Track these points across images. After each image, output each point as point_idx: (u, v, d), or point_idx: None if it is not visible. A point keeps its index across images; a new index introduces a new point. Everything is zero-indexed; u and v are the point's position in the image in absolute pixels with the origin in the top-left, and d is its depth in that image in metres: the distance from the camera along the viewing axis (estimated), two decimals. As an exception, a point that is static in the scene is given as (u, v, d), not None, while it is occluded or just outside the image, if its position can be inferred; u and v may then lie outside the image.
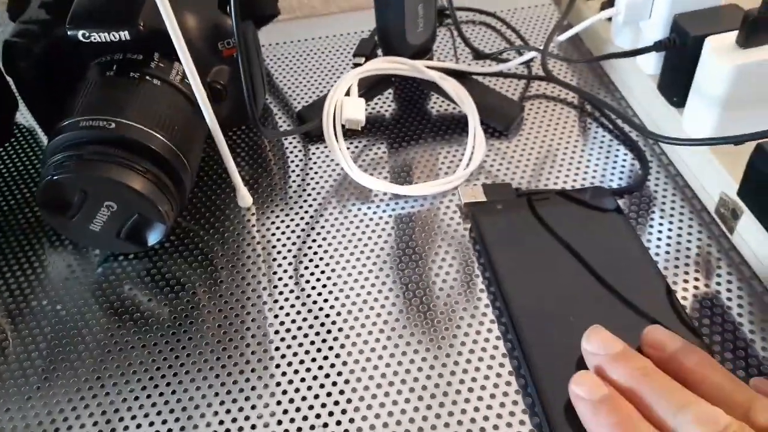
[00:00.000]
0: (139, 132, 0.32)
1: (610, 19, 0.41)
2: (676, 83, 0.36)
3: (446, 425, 0.28)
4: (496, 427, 0.27)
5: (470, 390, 0.29)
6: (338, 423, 0.28)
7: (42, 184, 0.31)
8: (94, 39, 0.34)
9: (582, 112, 0.42)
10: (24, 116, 0.45)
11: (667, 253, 0.33)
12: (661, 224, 0.35)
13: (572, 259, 0.32)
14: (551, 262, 0.32)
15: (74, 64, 0.35)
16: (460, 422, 0.28)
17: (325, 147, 0.41)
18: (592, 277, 0.31)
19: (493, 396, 0.28)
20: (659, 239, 0.34)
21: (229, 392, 0.29)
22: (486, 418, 0.28)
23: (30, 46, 0.35)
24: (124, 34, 0.34)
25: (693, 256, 0.33)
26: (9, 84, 0.41)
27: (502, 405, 0.28)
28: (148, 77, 0.34)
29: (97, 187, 0.31)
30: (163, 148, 0.32)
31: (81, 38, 0.34)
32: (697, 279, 0.32)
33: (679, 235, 0.34)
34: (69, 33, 0.34)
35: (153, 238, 0.34)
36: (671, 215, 0.35)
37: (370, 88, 0.41)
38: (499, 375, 0.29)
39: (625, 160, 0.38)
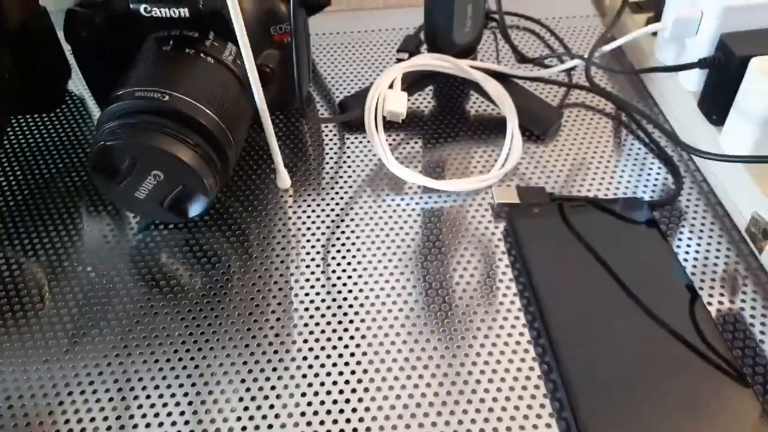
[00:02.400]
0: (190, 106, 0.33)
1: (654, 34, 0.42)
2: (716, 101, 0.36)
3: (464, 411, 0.28)
4: (512, 418, 0.28)
5: (498, 389, 0.29)
6: (353, 410, 0.29)
7: (95, 149, 0.32)
8: (155, 14, 0.35)
9: (619, 123, 0.42)
10: (75, 84, 0.47)
11: (694, 267, 0.34)
12: (690, 239, 0.35)
13: (606, 268, 0.33)
14: (585, 269, 0.33)
15: (132, 36, 0.36)
16: (478, 410, 0.28)
17: (363, 137, 0.42)
18: (627, 289, 0.32)
19: (515, 390, 0.29)
20: (687, 253, 0.34)
21: (250, 370, 0.30)
22: (512, 417, 0.28)
23: (92, 16, 0.37)
24: (184, 12, 0.35)
25: (720, 273, 0.33)
26: (64, 52, 0.43)
27: (530, 407, 0.29)
28: (202, 54, 0.35)
29: (146, 155, 0.32)
30: (212, 124, 0.33)
31: (142, 12, 0.35)
32: (722, 295, 0.32)
33: (707, 251, 0.34)
34: (131, 6, 0.35)
35: (194, 210, 0.35)
36: (701, 231, 0.36)
37: (412, 83, 0.42)
38: (521, 372, 0.30)
39: (659, 174, 0.39)
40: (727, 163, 0.35)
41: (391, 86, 0.40)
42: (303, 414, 0.29)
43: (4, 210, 0.38)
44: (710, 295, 0.32)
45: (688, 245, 0.35)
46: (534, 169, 0.39)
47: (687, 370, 0.29)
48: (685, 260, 0.34)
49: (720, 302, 0.32)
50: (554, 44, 0.49)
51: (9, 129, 0.44)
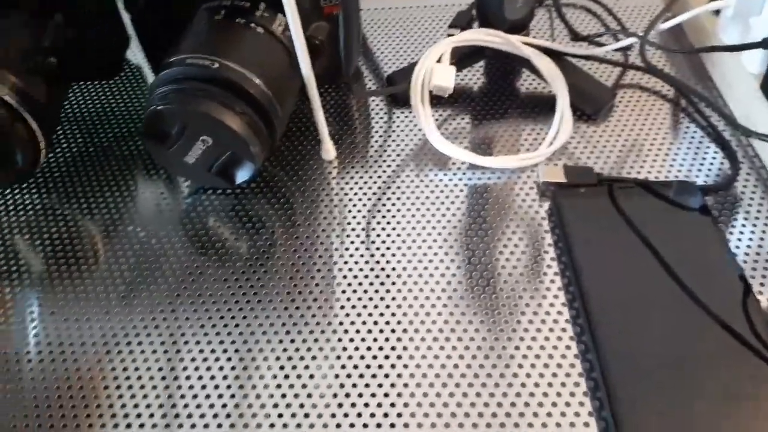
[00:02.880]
0: (239, 75, 0.33)
1: (717, 12, 0.40)
2: (780, 83, 0.35)
3: (496, 384, 0.28)
4: (545, 394, 0.28)
5: (531, 365, 0.29)
6: (392, 385, 0.29)
7: (147, 114, 0.33)
8: (209, -17, 0.36)
9: (675, 105, 0.41)
10: (134, 54, 0.48)
11: (746, 255, 0.33)
12: (743, 227, 0.34)
13: (654, 253, 0.32)
14: (630, 253, 0.32)
15: (188, 6, 0.37)
16: (511, 384, 0.28)
17: (410, 112, 0.41)
18: (673, 275, 0.31)
19: (549, 367, 0.29)
20: (740, 240, 0.33)
21: (290, 339, 0.31)
22: (545, 393, 0.28)
23: (150, -16, 0.38)
24: (236, -18, 0.35)
25: (773, 261, 0.32)
26: (123, 22, 0.44)
27: (563, 385, 0.28)
28: (252, 25, 0.35)
29: (196, 121, 0.33)
30: (260, 93, 0.34)
31: (197, -19, 0.36)
32: (774, 284, 0.31)
33: (762, 240, 0.33)
34: (186, -24, 0.36)
35: (241, 176, 0.36)
36: (756, 219, 0.34)
37: (462, 58, 0.42)
38: (557, 350, 0.29)
39: (714, 158, 0.37)
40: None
41: (439, 61, 0.40)
42: (337, 376, 0.29)
43: (65, 172, 0.40)
44: (762, 284, 0.31)
45: (741, 233, 0.34)
46: (583, 150, 0.39)
47: (733, 361, 0.28)
48: (737, 246, 0.33)
49: (771, 291, 0.31)
50: (611, 23, 0.48)
51: (70, 95, 0.45)
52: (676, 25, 0.41)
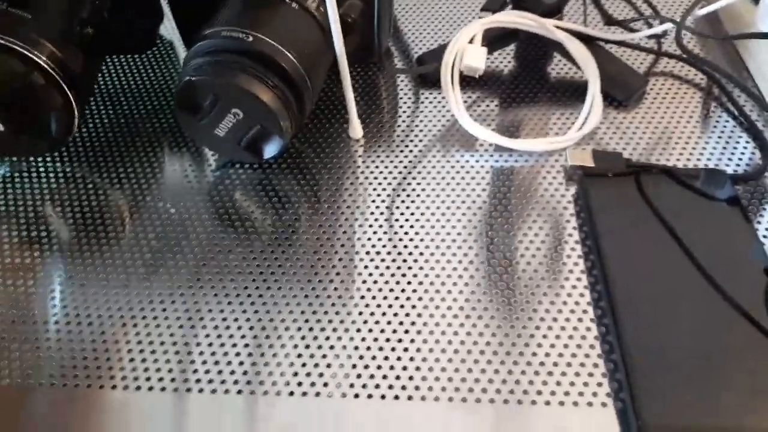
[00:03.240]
0: (273, 48, 0.34)
1: (756, 1, 0.40)
2: (818, 73, 0.34)
3: (515, 363, 0.29)
4: (564, 374, 0.28)
5: (551, 345, 0.29)
6: (411, 359, 0.29)
7: (180, 84, 0.34)
8: (243, -42, 0.36)
9: (708, 94, 0.40)
10: (166, 29, 0.49)
11: (775, 245, 0.32)
12: (773, 216, 0.33)
13: (679, 242, 0.31)
14: (657, 241, 0.32)
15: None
16: (530, 363, 0.28)
17: (439, 93, 0.41)
18: (698, 265, 0.30)
19: (569, 347, 0.29)
20: (768, 231, 0.33)
21: (312, 312, 0.31)
22: (563, 373, 0.28)
23: (185, -40, 0.38)
24: (271, -43, 0.36)
25: (802, 253, 0.32)
26: (158, -4, 0.45)
27: (582, 365, 0.28)
28: (287, 0, 0.36)
29: (228, 93, 0.33)
30: (292, 68, 0.34)
31: (232, -44, 0.36)
32: (802, 276, 0.31)
33: (791, 231, 0.33)
34: (222, -50, 0.36)
35: (269, 151, 0.36)
36: (786, 209, 0.34)
37: (494, 40, 0.42)
38: (578, 331, 0.30)
39: (746, 148, 0.37)
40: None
41: (471, 42, 0.40)
42: (356, 348, 0.30)
43: (96, 143, 0.41)
44: (789, 275, 0.31)
45: (770, 223, 0.33)
46: (612, 135, 0.38)
47: (757, 353, 0.27)
48: (765, 236, 0.32)
49: (799, 283, 0.31)
50: (645, 10, 0.47)
51: (103, 68, 0.46)
52: (711, 12, 0.40)
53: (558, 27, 0.40)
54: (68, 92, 0.35)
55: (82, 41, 0.37)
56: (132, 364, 0.30)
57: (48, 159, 0.40)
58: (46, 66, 0.34)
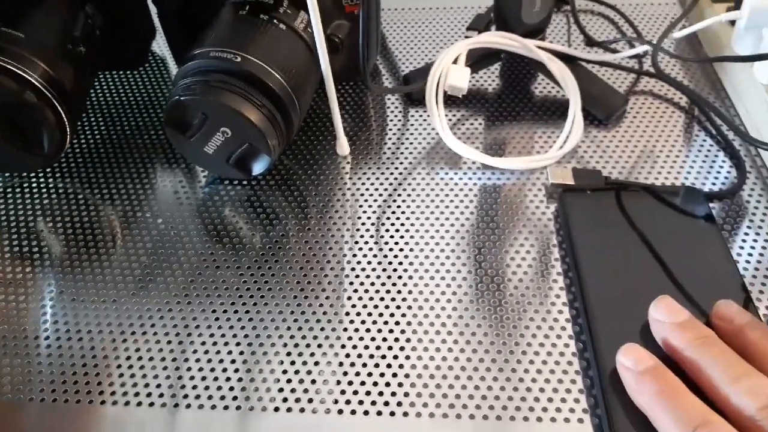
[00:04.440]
0: (260, 69, 0.34)
1: (733, 23, 0.41)
2: (790, 96, 0.35)
3: (495, 379, 0.29)
4: (542, 389, 0.29)
5: (530, 361, 0.30)
6: (394, 375, 0.30)
7: (169, 103, 0.35)
8: (233, -20, 0.37)
9: (686, 113, 0.42)
10: (158, 46, 0.49)
11: (748, 262, 0.33)
12: (746, 234, 0.34)
13: (656, 258, 0.32)
14: (634, 257, 0.32)
15: (213, 1, 0.38)
16: (509, 378, 0.29)
17: (425, 111, 0.42)
18: (673, 279, 0.31)
19: (547, 363, 0.30)
20: (741, 248, 0.34)
21: (300, 327, 0.32)
22: (541, 389, 0.29)
23: (177, -21, 0.39)
24: (260, -21, 0.36)
25: (774, 271, 0.33)
26: (151, 13, 0.46)
27: (560, 381, 0.29)
28: (275, 21, 0.37)
29: (216, 112, 0.34)
30: (280, 88, 0.35)
31: (222, -22, 0.37)
32: (773, 293, 0.32)
33: (764, 249, 0.34)
34: (212, -28, 0.37)
35: (257, 168, 0.37)
36: (759, 228, 0.35)
37: (478, 60, 0.43)
38: (556, 347, 0.30)
39: (721, 167, 0.38)
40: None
41: (455, 62, 0.41)
42: (341, 364, 0.30)
43: (87, 159, 0.41)
44: (761, 292, 0.32)
45: (744, 241, 0.34)
46: (593, 154, 0.39)
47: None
48: (739, 254, 0.33)
49: (771, 300, 0.32)
50: (628, 31, 0.48)
51: (96, 83, 0.47)
52: (692, 33, 0.41)
53: (540, 47, 0.41)
54: (60, 110, 0.36)
55: (75, 59, 0.38)
56: (122, 380, 0.30)
57: (40, 174, 0.41)
58: (38, 84, 0.35)
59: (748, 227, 0.35)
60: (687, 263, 0.32)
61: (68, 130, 0.37)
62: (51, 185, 0.40)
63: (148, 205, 0.38)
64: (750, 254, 0.33)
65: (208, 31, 0.37)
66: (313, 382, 0.30)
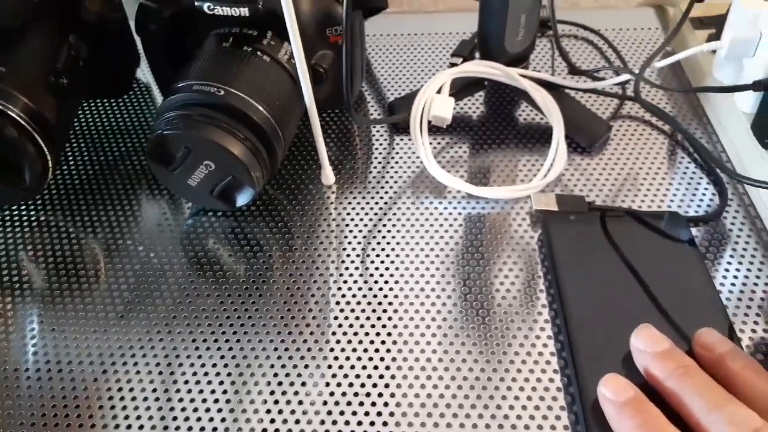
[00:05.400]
0: (244, 102, 0.34)
1: (714, 52, 0.41)
2: (770, 125, 0.35)
3: (486, 418, 0.29)
4: (524, 407, 0.29)
5: (517, 387, 0.30)
6: (385, 405, 0.30)
7: (152, 137, 0.34)
8: (217, 12, 0.37)
9: (670, 139, 0.42)
10: (143, 73, 0.49)
11: (731, 292, 0.33)
12: (729, 263, 0.35)
13: (638, 282, 0.32)
14: (616, 281, 0.33)
15: (196, 31, 0.38)
16: (498, 407, 0.29)
17: (410, 139, 0.42)
18: (656, 304, 0.31)
19: (530, 398, 0.30)
20: (725, 278, 0.34)
21: (286, 357, 0.32)
22: (526, 410, 0.29)
23: (161, 10, 0.39)
24: (244, 11, 0.37)
25: (757, 300, 0.33)
26: (135, 42, 0.46)
27: (542, 399, 0.29)
28: (259, 53, 0.37)
29: (200, 146, 0.34)
30: (263, 120, 0.35)
31: (206, 9, 0.37)
32: (756, 323, 0.32)
33: (747, 277, 0.34)
34: (196, 3, 0.37)
35: (241, 200, 0.37)
36: (742, 255, 0.35)
37: (462, 88, 0.43)
38: (539, 380, 0.30)
39: (704, 194, 0.38)
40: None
41: (439, 91, 0.41)
42: (326, 400, 0.30)
43: (70, 188, 0.41)
44: (744, 322, 0.32)
45: (727, 270, 0.34)
46: (577, 181, 0.39)
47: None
48: (722, 284, 0.34)
49: (753, 330, 0.32)
50: (612, 57, 0.49)
51: (80, 112, 0.47)
52: (675, 61, 0.42)
53: (523, 76, 0.42)
54: (42, 143, 0.36)
55: (57, 90, 0.38)
56: (103, 419, 0.30)
57: (22, 205, 0.40)
58: (18, 119, 0.34)
59: (731, 255, 0.35)
60: (669, 289, 0.32)
61: (50, 162, 0.37)
62: (33, 216, 0.40)
63: (130, 236, 0.38)
64: (733, 284, 0.34)
65: (192, 63, 0.37)
66: (298, 412, 0.30)
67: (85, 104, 0.47)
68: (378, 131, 0.44)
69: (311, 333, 0.33)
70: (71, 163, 0.43)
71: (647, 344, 0.28)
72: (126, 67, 0.46)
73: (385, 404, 0.30)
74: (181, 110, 0.34)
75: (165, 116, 0.34)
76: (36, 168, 0.36)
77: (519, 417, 0.29)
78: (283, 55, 0.38)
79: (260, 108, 0.35)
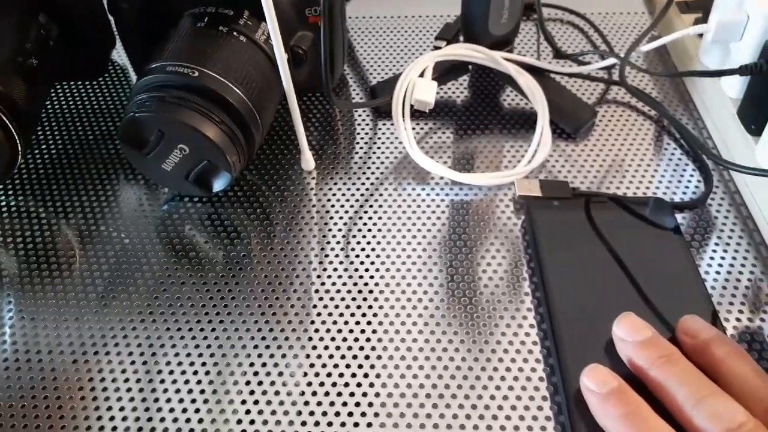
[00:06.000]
0: (219, 83, 0.33)
1: (701, 36, 0.40)
2: (756, 111, 0.35)
3: (467, 409, 0.29)
4: (505, 397, 0.28)
5: (498, 376, 0.30)
6: (364, 395, 0.29)
7: (124, 120, 0.33)
8: (192, -10, 0.36)
9: (656, 125, 0.41)
10: (119, 54, 0.48)
11: (716, 279, 0.33)
12: (714, 250, 0.34)
13: (622, 268, 0.32)
14: (599, 267, 0.32)
15: (170, 11, 0.37)
16: (480, 397, 0.29)
17: (392, 124, 0.41)
18: (640, 292, 0.31)
19: (511, 388, 0.29)
20: (710, 265, 0.33)
21: (266, 345, 0.31)
22: (508, 400, 0.28)
23: (133, -11, 0.38)
24: (219, -11, 0.35)
25: (742, 288, 0.32)
26: (110, 23, 0.44)
27: (524, 389, 0.29)
28: (235, 33, 0.36)
29: (173, 129, 0.33)
30: (240, 103, 0.34)
31: (180, -12, 0.36)
32: (741, 312, 0.31)
33: (732, 265, 0.33)
34: (170, -19, 0.36)
35: (218, 185, 0.36)
36: (727, 243, 0.34)
37: (445, 72, 0.42)
38: (521, 369, 0.30)
39: (690, 179, 0.38)
40: (761, 177, 0.34)
41: (422, 75, 0.40)
42: (309, 384, 0.30)
43: (42, 173, 0.40)
44: (728, 310, 0.32)
45: (712, 257, 0.34)
46: (561, 167, 0.39)
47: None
48: (707, 272, 0.33)
49: (738, 318, 0.31)
50: (597, 41, 0.48)
51: (53, 94, 0.45)
52: (661, 45, 0.41)
53: (508, 59, 0.41)
54: (10, 126, 0.34)
55: (26, 71, 0.37)
56: (84, 402, 0.29)
57: (-8, 191, 0.39)
58: (-15, 100, 0.33)
59: (716, 242, 0.35)
60: (653, 275, 0.32)
61: (20, 146, 0.35)
62: (3, 203, 0.38)
63: (105, 222, 0.37)
64: (718, 270, 0.33)
65: (166, 44, 0.35)
66: (276, 402, 0.29)
67: (59, 86, 0.46)
68: (360, 116, 0.43)
69: (290, 321, 0.32)
70: (44, 147, 0.42)
71: (629, 333, 0.27)
72: (100, 48, 0.44)
73: (364, 394, 0.29)
74: (154, 92, 0.33)
75: (137, 98, 0.33)
76: (4, 152, 0.35)
77: (500, 407, 0.28)
78: (261, 35, 0.36)
79: (236, 90, 0.34)
